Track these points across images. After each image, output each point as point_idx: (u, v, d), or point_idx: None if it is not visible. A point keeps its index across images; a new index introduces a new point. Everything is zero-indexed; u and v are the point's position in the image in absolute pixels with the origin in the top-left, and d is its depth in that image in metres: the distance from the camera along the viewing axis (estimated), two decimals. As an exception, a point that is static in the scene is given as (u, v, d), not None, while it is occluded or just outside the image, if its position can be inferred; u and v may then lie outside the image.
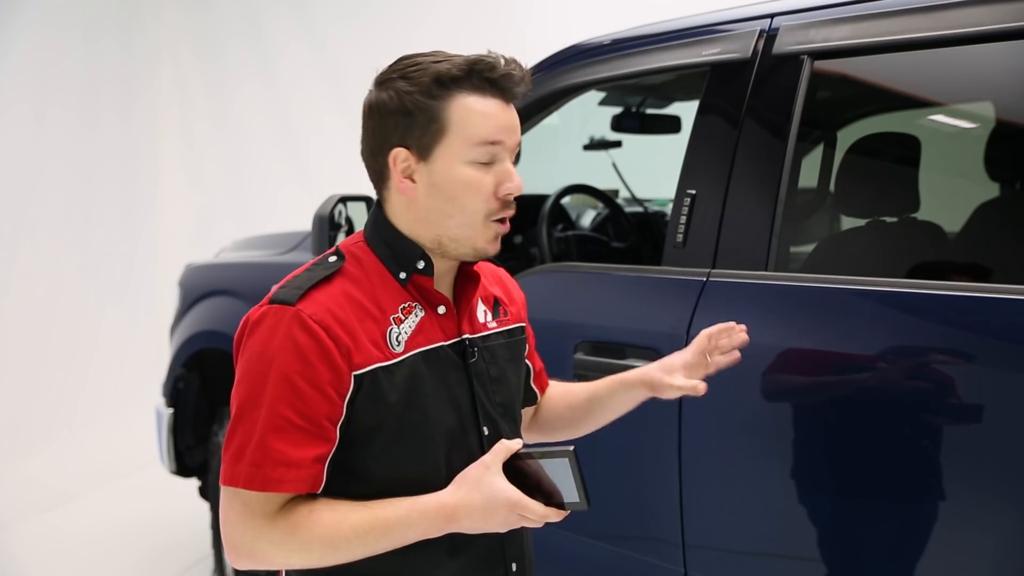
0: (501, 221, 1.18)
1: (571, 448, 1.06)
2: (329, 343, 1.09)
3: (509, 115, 1.16)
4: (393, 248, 1.20)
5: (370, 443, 1.14)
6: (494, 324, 1.31)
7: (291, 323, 1.09)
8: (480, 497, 1.09)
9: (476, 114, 1.13)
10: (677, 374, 1.35)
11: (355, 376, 1.11)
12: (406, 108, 1.14)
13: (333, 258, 1.19)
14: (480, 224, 1.17)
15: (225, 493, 1.12)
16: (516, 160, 1.26)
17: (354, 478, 1.15)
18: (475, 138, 1.13)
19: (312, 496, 1.12)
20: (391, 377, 1.14)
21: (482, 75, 1.13)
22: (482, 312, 1.31)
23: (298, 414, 1.08)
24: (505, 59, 1.16)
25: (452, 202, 1.15)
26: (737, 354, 1.37)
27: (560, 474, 1.07)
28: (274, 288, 1.16)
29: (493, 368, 1.27)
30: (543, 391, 1.50)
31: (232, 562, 1.13)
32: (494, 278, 1.39)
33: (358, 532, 1.09)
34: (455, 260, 1.22)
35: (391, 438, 1.15)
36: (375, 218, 1.23)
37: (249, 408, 1.10)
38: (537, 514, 1.08)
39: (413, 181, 1.17)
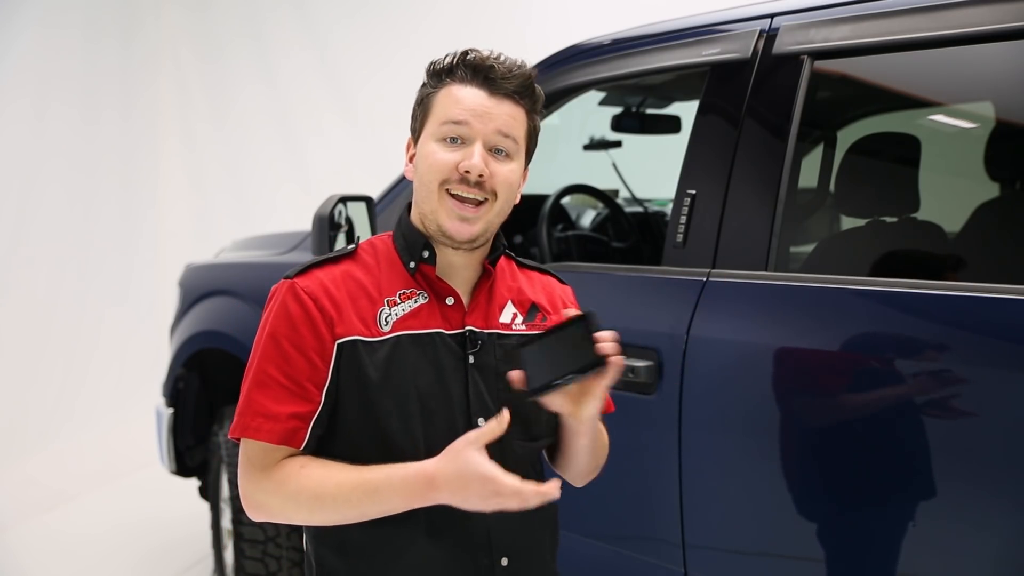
0: (462, 201, 1.21)
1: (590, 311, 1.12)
2: (315, 312, 1.21)
3: (487, 103, 1.22)
4: (407, 239, 1.28)
5: (354, 412, 1.22)
6: (522, 327, 1.32)
7: (286, 294, 1.23)
8: (455, 467, 1.12)
9: (451, 97, 1.23)
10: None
11: (338, 344, 1.21)
12: (416, 100, 1.29)
13: (350, 247, 1.30)
14: (436, 194, 1.22)
15: (239, 447, 1.25)
16: (528, 160, 1.29)
17: (343, 446, 1.23)
18: (442, 117, 1.23)
19: (308, 456, 1.21)
20: (372, 353, 1.22)
21: (467, 66, 1.24)
22: (509, 313, 1.33)
23: (281, 373, 1.20)
24: (495, 55, 1.25)
25: (419, 175, 1.26)
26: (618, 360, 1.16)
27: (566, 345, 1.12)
28: None
29: (504, 365, 1.28)
30: None
31: (248, 513, 1.25)
32: (544, 289, 1.38)
33: (343, 490, 1.16)
34: (448, 246, 1.25)
35: (371, 411, 1.21)
36: (403, 211, 1.33)
37: (248, 369, 1.24)
38: (509, 487, 1.09)
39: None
